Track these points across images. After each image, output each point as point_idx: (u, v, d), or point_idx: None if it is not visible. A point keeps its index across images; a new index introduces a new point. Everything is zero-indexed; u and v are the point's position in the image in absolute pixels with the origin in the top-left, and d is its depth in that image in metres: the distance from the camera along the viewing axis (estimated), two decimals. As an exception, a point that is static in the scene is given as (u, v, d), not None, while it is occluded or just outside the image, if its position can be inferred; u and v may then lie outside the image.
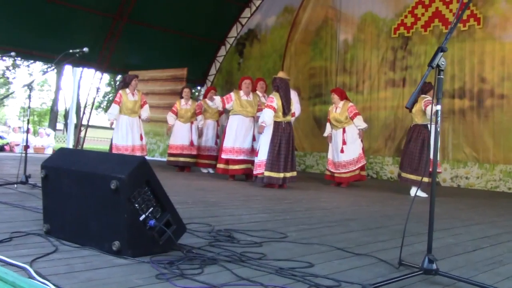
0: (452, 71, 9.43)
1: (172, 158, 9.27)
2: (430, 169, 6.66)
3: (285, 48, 12.59)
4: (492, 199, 7.12)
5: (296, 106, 8.22)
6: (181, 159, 9.20)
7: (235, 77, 14.02)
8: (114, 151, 8.25)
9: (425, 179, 6.52)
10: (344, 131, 7.68)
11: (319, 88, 11.70)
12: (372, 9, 10.85)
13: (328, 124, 7.97)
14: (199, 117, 9.36)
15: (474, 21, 9.27)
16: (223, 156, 7.70)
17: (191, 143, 9.24)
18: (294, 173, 6.88)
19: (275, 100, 6.80)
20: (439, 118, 2.43)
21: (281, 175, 6.72)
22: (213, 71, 14.73)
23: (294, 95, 8.36)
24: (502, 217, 5.14)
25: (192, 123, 9.32)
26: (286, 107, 6.80)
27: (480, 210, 5.72)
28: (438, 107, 2.38)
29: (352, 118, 7.60)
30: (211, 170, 9.37)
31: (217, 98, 7.91)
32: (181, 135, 9.22)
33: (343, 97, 7.82)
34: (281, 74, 8.41)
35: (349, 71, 11.17)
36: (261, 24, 13.44)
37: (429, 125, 6.72)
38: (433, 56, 2.39)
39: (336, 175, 7.77)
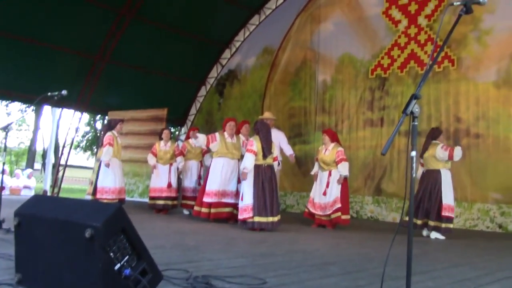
0: (428, 111, 9.61)
1: (151, 202, 9.18)
2: (447, 214, 6.79)
3: (265, 88, 12.75)
4: (471, 239, 7.16)
5: (285, 148, 8.25)
6: (160, 201, 9.08)
7: (215, 117, 14.07)
8: (99, 194, 8.24)
9: (447, 225, 6.71)
10: (330, 174, 7.63)
11: (298, 127, 11.80)
12: (350, 51, 11.09)
13: (316, 163, 7.98)
14: (179, 159, 9.26)
15: (449, 63, 9.51)
16: (206, 199, 7.51)
17: (169, 185, 9.12)
18: (278, 218, 6.79)
19: (255, 143, 6.83)
20: (414, 165, 2.47)
21: (270, 219, 6.68)
22: (193, 111, 14.78)
23: (280, 136, 8.40)
24: (482, 257, 5.15)
25: (171, 164, 9.22)
26: (266, 150, 6.78)
27: (459, 250, 5.73)
28: (413, 153, 2.42)
29: (337, 163, 7.55)
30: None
31: (201, 136, 7.81)
32: (160, 177, 9.14)
33: (334, 139, 7.78)
34: (267, 115, 8.50)
35: (328, 111, 11.31)
36: (241, 64, 13.62)
37: (441, 171, 6.88)
38: (407, 103, 2.45)
39: (316, 216, 7.73)
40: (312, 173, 8.03)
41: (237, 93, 13.56)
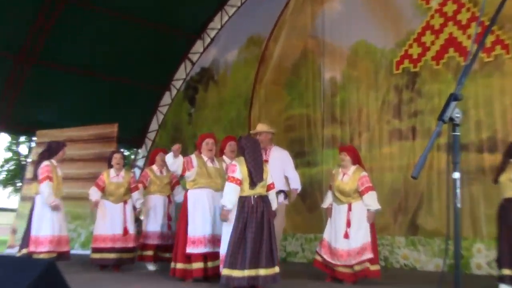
0: (476, 116, 9.62)
1: (97, 255, 8.84)
2: None
3: (252, 92, 12.81)
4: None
5: (291, 176, 8.04)
6: (111, 255, 8.84)
7: (185, 133, 14.05)
8: (33, 247, 8.23)
9: None
10: (350, 208, 7.55)
11: (299, 144, 11.80)
12: (366, 37, 11.17)
13: (329, 192, 7.89)
14: (135, 194, 9.13)
15: (502, 49, 9.54)
16: (196, 250, 7.28)
17: (125, 231, 8.95)
18: (274, 270, 6.44)
19: (238, 167, 6.58)
20: (458, 190, 2.47)
21: (246, 273, 6.31)
22: (154, 126, 14.80)
23: (284, 157, 8.26)
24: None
25: (125, 202, 9.05)
26: (254, 175, 6.54)
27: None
28: (456, 174, 2.43)
29: (362, 194, 7.49)
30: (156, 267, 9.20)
31: (179, 158, 7.59)
32: (111, 221, 8.90)
33: (356, 160, 7.70)
34: (260, 127, 8.39)
35: (340, 120, 11.32)
36: (219, 60, 13.68)
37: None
38: (444, 106, 2.45)
39: (334, 268, 7.59)
40: (324, 206, 7.95)
41: (214, 100, 13.60)
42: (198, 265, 7.29)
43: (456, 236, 2.55)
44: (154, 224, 9.29)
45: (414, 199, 10.16)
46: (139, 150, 15.54)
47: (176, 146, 7.54)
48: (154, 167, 9.43)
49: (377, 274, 7.44)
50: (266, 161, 7.79)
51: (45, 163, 8.44)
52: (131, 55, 13.37)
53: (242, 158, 6.66)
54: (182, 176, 7.82)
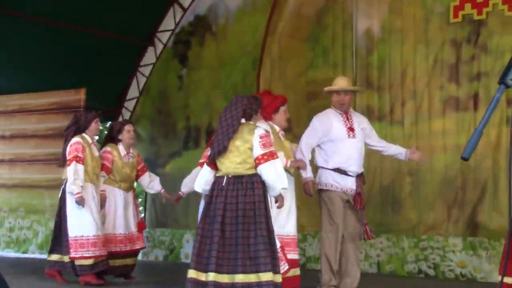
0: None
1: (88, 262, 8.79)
2: None
3: (262, 48, 12.72)
4: None
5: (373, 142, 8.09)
6: (118, 261, 9.06)
7: (174, 101, 14.03)
8: (73, 251, 8.39)
9: None
10: None
11: (325, 116, 11.71)
12: (414, -25, 11.07)
13: None
14: (145, 177, 9.56)
15: None
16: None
17: (141, 226, 9.41)
18: (266, 276, 6.49)
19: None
20: None
21: (203, 276, 6.52)
22: (134, 92, 14.78)
23: (365, 124, 8.21)
24: None
25: (134, 190, 9.48)
26: (212, 148, 6.72)
27: None
28: None
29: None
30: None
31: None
32: (124, 216, 9.15)
33: None
34: (342, 82, 8.23)
35: (378, 85, 11.28)
36: (218, 6, 13.64)
37: None
38: (507, 65, 2.35)
39: None
40: None
41: (212, 58, 13.59)
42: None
43: None
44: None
45: (475, 189, 10.14)
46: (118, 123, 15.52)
47: None
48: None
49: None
50: (351, 129, 7.84)
51: (75, 139, 8.52)
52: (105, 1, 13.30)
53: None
54: None
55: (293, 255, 7.37)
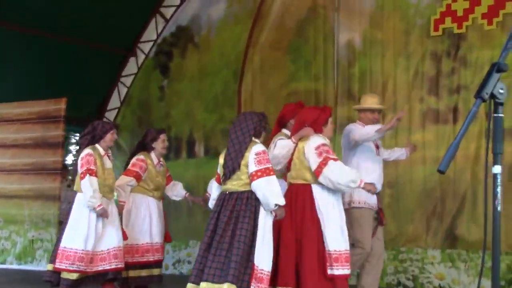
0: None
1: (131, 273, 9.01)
2: None
3: (244, 60, 12.78)
4: None
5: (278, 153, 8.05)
6: (144, 272, 9.05)
7: (156, 112, 14.04)
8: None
9: None
10: None
11: (306, 127, 11.75)
12: (396, -12, 11.14)
13: None
14: (174, 186, 9.58)
15: None
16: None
17: (167, 237, 9.40)
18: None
19: (220, 158, 7.10)
20: (498, 189, 2.43)
21: (190, 287, 6.71)
22: (115, 102, 14.75)
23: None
24: None
25: (162, 200, 9.46)
26: (226, 167, 6.87)
27: None
28: (497, 168, 2.41)
29: None
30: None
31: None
32: (157, 226, 9.15)
33: None
34: (370, 101, 8.30)
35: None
36: (200, 17, 13.66)
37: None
38: (483, 79, 2.46)
39: None
40: None
41: (194, 69, 13.62)
42: None
43: (496, 248, 2.53)
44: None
45: (454, 202, 10.17)
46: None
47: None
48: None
49: None
50: (377, 146, 8.17)
51: (86, 151, 8.46)
52: (85, 7, 13.29)
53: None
54: None
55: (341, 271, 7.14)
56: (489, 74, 2.56)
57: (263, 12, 12.62)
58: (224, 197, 6.89)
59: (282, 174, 7.71)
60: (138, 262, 8.92)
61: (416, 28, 10.90)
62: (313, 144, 6.93)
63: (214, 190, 7.20)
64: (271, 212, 6.73)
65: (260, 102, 12.22)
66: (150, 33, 14.35)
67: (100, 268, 8.35)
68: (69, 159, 21.61)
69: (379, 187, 7.88)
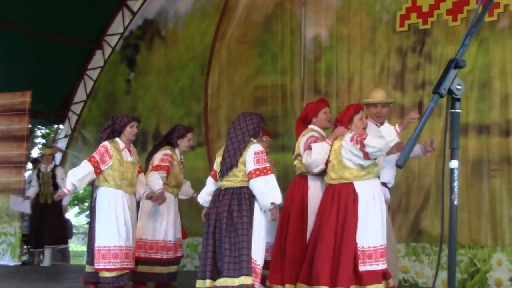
0: (503, 90, 9.67)
1: (146, 268, 8.88)
2: None
3: (211, 54, 12.78)
4: None
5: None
6: (157, 268, 8.91)
7: (122, 105, 13.98)
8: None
9: None
10: None
11: (272, 123, 11.70)
12: (362, -17, 11.17)
13: None
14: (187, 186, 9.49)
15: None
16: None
17: (184, 235, 9.45)
18: (239, 280, 6.77)
19: (218, 156, 7.34)
20: (455, 184, 2.49)
21: (208, 283, 6.84)
22: (81, 95, 14.69)
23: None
24: None
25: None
26: (224, 163, 7.09)
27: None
28: (454, 163, 2.47)
29: None
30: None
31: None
32: (175, 223, 9.05)
33: None
34: (379, 95, 8.19)
35: (325, 91, 11.32)
36: (167, 11, 13.66)
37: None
38: (441, 75, 2.50)
39: None
40: None
41: (161, 63, 13.64)
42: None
43: (452, 241, 2.60)
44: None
45: (419, 196, 10.25)
46: (61, 127, 15.43)
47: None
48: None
49: None
50: None
51: (103, 143, 8.41)
52: (51, 0, 13.26)
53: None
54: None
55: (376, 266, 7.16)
56: (447, 70, 2.61)
57: (231, 6, 12.62)
58: (219, 193, 7.11)
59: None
60: (152, 258, 8.81)
61: (382, 23, 10.96)
62: (253, 149, 7.05)
63: (208, 185, 7.41)
64: (267, 210, 6.98)
65: (227, 96, 12.28)
66: (117, 26, 14.33)
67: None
68: (35, 153, 21.44)
69: (393, 182, 7.98)
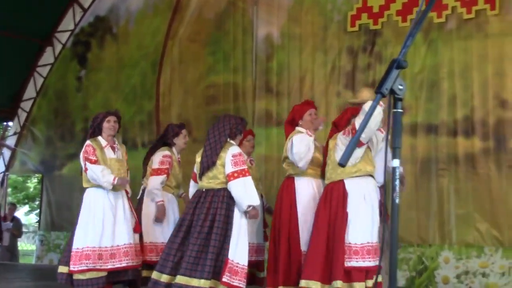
0: (451, 90, 9.81)
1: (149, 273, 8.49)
2: None
3: (163, 51, 12.76)
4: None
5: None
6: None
7: (73, 103, 13.90)
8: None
9: None
10: None
11: (224, 121, 11.78)
12: (314, -17, 11.21)
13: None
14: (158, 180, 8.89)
15: (485, 4, 9.69)
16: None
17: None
18: (203, 283, 6.84)
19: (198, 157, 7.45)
20: (396, 182, 2.56)
21: (165, 278, 6.96)
22: (30, 92, 14.55)
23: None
24: None
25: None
26: (202, 163, 7.22)
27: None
28: (395, 162, 2.52)
29: None
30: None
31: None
32: (174, 223, 8.69)
33: None
34: (367, 95, 8.19)
35: (276, 90, 11.42)
36: (119, 7, 13.59)
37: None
38: (384, 75, 2.53)
39: None
40: None
41: (112, 60, 13.56)
42: None
43: (393, 239, 2.65)
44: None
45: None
46: (10, 124, 15.29)
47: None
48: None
49: None
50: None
51: (86, 143, 8.30)
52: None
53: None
54: None
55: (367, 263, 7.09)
56: (389, 71, 2.59)
57: (182, 4, 12.58)
58: (200, 194, 7.20)
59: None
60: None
61: (333, 23, 11.03)
62: (231, 151, 7.12)
63: (191, 188, 7.66)
64: (244, 212, 7.01)
65: (179, 94, 12.27)
66: (68, 22, 14.18)
67: (109, 266, 7.97)
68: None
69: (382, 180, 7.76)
